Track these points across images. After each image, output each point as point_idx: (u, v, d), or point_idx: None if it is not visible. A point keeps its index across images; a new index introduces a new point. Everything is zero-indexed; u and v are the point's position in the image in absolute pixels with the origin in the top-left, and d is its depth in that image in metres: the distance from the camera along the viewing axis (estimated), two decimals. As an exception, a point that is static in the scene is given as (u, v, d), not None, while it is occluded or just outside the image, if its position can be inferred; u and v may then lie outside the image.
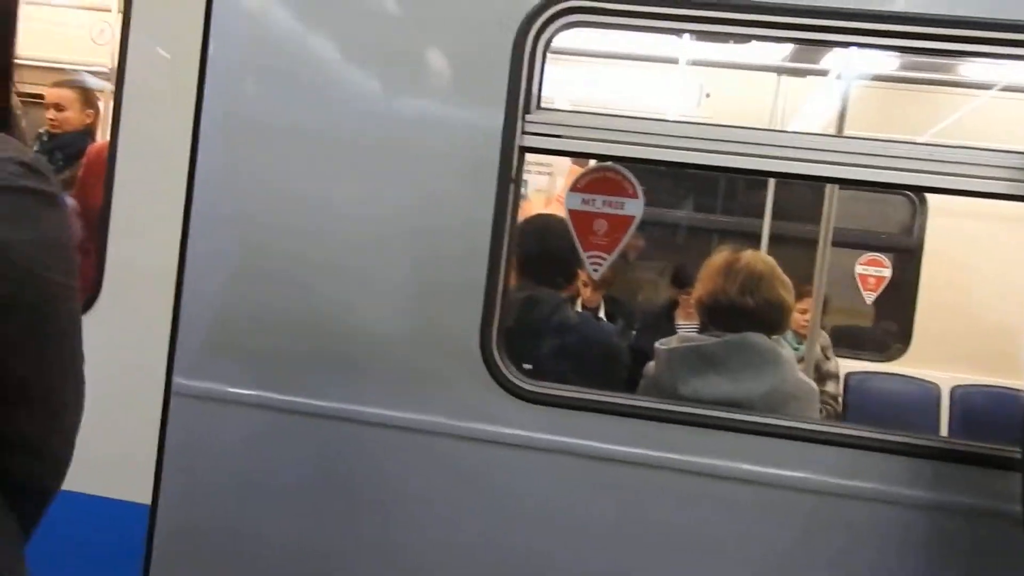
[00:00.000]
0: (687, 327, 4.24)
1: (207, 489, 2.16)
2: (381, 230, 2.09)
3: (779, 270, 2.36)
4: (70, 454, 1.10)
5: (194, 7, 2.11)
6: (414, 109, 2.09)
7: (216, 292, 2.15)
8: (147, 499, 2.14)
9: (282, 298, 2.12)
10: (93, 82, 4.31)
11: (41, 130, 4.00)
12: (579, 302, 4.04)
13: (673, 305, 4.46)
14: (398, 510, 2.10)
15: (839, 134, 3.17)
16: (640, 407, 2.06)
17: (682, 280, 4.39)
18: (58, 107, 3.97)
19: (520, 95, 2.03)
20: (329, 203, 2.11)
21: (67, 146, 3.77)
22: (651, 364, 2.37)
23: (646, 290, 5.32)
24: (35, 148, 3.81)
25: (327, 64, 2.11)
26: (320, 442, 2.12)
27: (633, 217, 2.12)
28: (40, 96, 3.99)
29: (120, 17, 2.17)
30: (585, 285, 3.90)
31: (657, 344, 2.31)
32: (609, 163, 2.14)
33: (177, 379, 2.14)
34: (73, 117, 3.94)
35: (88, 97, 3.97)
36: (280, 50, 2.13)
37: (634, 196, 2.12)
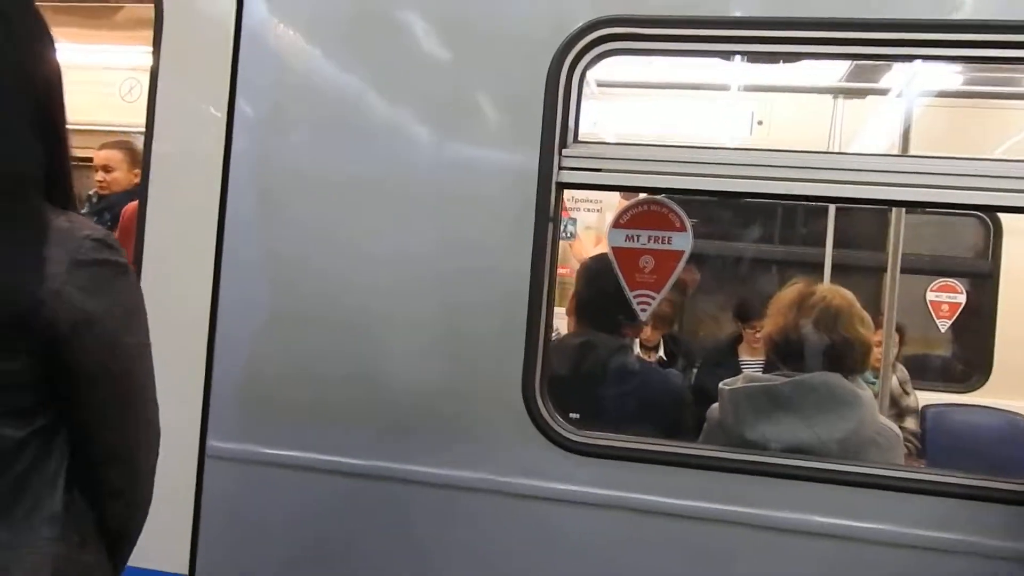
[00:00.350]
0: (751, 363, 4.04)
1: (244, 557, 2.06)
2: (415, 276, 2.00)
3: (858, 305, 2.19)
4: (151, 495, 1.27)
5: (221, 61, 2.07)
6: (444, 149, 2.00)
7: (248, 349, 2.07)
8: (184, 569, 2.05)
9: (315, 352, 2.04)
10: (140, 142, 4.38)
11: (91, 192, 4.06)
12: (637, 341, 3.89)
13: (736, 340, 4.26)
14: (443, 570, 1.97)
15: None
16: (701, 456, 1.90)
17: (744, 314, 4.20)
18: (107, 168, 4.03)
19: (556, 128, 1.93)
20: (360, 252, 2.03)
21: (115, 206, 3.81)
22: (714, 407, 2.20)
23: (706, 326, 5.12)
24: (84, 210, 3.86)
25: (354, 109, 2.04)
26: (358, 503, 2.01)
27: (682, 252, 1.98)
28: (87, 159, 4.06)
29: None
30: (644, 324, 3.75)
31: (721, 385, 2.15)
32: (654, 196, 2.01)
33: (211, 442, 2.06)
34: (121, 177, 4.00)
35: (135, 157, 4.02)
36: (306, 98, 2.07)
37: (682, 229, 1.99)
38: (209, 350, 2.06)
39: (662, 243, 1.98)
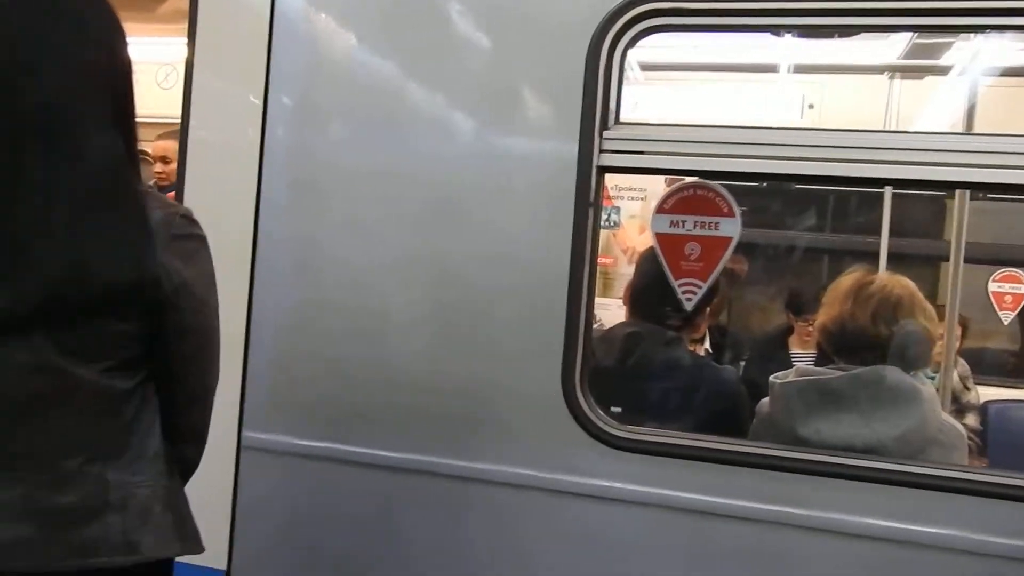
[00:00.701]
0: (802, 356, 3.90)
1: (281, 550, 2.03)
2: (451, 266, 1.93)
3: (919, 295, 2.06)
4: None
5: (256, 50, 2.02)
6: (480, 135, 1.93)
7: (285, 340, 2.03)
8: (222, 564, 2.03)
9: (352, 344, 1.99)
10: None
11: (150, 183, 4.07)
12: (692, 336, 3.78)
13: (786, 332, 4.12)
14: (479, 567, 1.92)
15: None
16: (750, 453, 1.80)
17: (795, 305, 4.05)
18: (164, 160, 4.01)
19: (596, 110, 1.84)
20: (395, 242, 1.97)
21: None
22: (764, 402, 2.10)
23: (755, 316, 4.98)
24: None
25: (388, 96, 1.98)
26: (394, 497, 1.96)
27: (729, 238, 1.88)
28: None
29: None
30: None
31: (772, 378, 2.05)
32: (700, 180, 1.91)
33: (247, 433, 2.02)
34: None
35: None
36: (340, 86, 2.01)
37: (730, 215, 1.88)
38: (246, 340, 2.02)
39: (709, 229, 1.89)
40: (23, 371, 1.16)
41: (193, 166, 2.07)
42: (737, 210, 1.88)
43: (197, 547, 1.35)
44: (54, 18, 1.19)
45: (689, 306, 1.93)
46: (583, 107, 1.84)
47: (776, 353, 4.03)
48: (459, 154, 1.93)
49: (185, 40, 2.07)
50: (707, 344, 4.02)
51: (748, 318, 5.04)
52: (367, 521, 1.98)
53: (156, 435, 1.30)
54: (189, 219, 1.33)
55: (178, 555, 1.32)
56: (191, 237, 1.32)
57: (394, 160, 1.96)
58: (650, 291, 2.30)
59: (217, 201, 2.06)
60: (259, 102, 2.02)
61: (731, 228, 1.88)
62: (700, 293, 1.89)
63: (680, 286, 1.90)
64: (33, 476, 1.16)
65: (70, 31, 1.20)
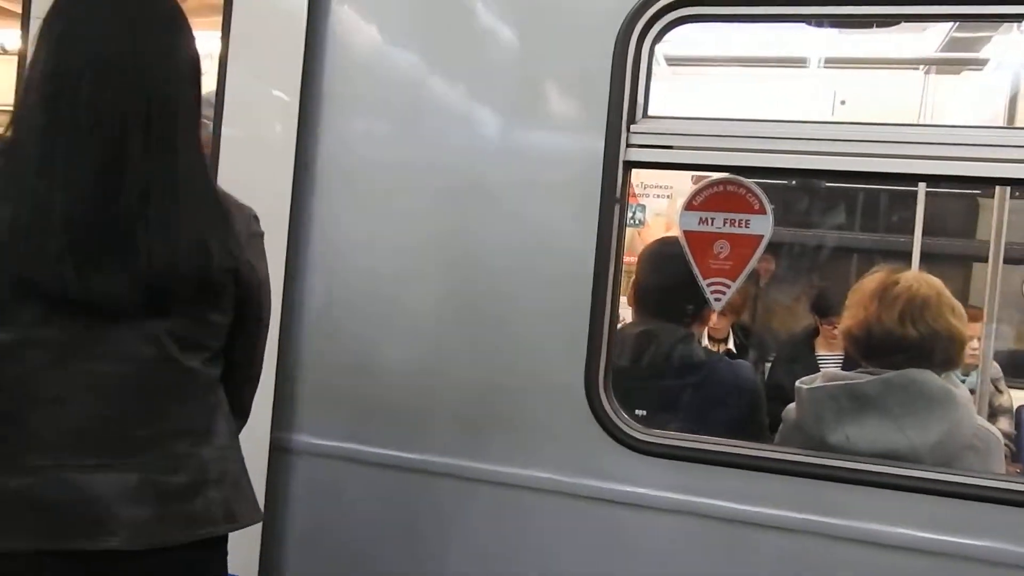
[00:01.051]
0: (829, 359, 3.82)
1: (310, 550, 2.00)
2: (477, 266, 1.89)
3: (947, 294, 1.98)
4: None
5: (292, 45, 1.97)
6: (504, 128, 1.89)
7: (317, 339, 2.00)
8: (254, 565, 1.98)
9: (378, 343, 1.96)
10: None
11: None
12: (704, 332, 3.71)
13: (812, 334, 4.03)
14: (502, 569, 1.88)
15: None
16: (779, 460, 1.75)
17: (822, 307, 3.96)
18: None
19: (624, 103, 1.79)
20: (423, 240, 1.93)
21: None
22: (791, 407, 2.03)
23: (780, 317, 4.89)
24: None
25: (418, 91, 1.94)
26: (415, 497, 1.93)
27: (760, 236, 1.82)
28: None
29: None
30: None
31: (799, 383, 1.98)
32: (730, 176, 1.85)
33: (277, 433, 1.98)
34: None
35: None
36: (374, 81, 1.97)
37: (761, 212, 1.82)
38: (280, 339, 1.97)
39: (739, 227, 1.83)
40: (151, 365, 1.25)
41: (226, 163, 2.03)
42: (769, 207, 1.81)
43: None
44: (152, 15, 1.26)
45: (718, 306, 1.87)
46: (610, 100, 1.79)
47: (802, 355, 3.95)
48: (483, 148, 1.88)
49: (219, 34, 2.03)
50: (730, 344, 3.96)
51: (773, 319, 4.95)
52: (390, 520, 1.95)
53: (229, 416, 1.41)
54: (257, 218, 1.43)
55: (260, 521, 1.44)
56: (261, 236, 1.43)
57: (423, 153, 1.93)
58: (659, 288, 2.24)
59: (249, 201, 2.02)
60: (294, 98, 1.97)
61: (763, 226, 1.81)
62: (729, 293, 1.83)
63: (709, 285, 1.84)
64: (151, 461, 1.24)
65: (166, 28, 1.27)
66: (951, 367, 2.00)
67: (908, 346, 1.93)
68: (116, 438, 1.23)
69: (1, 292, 1.18)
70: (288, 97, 1.97)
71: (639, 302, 2.30)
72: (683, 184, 4.12)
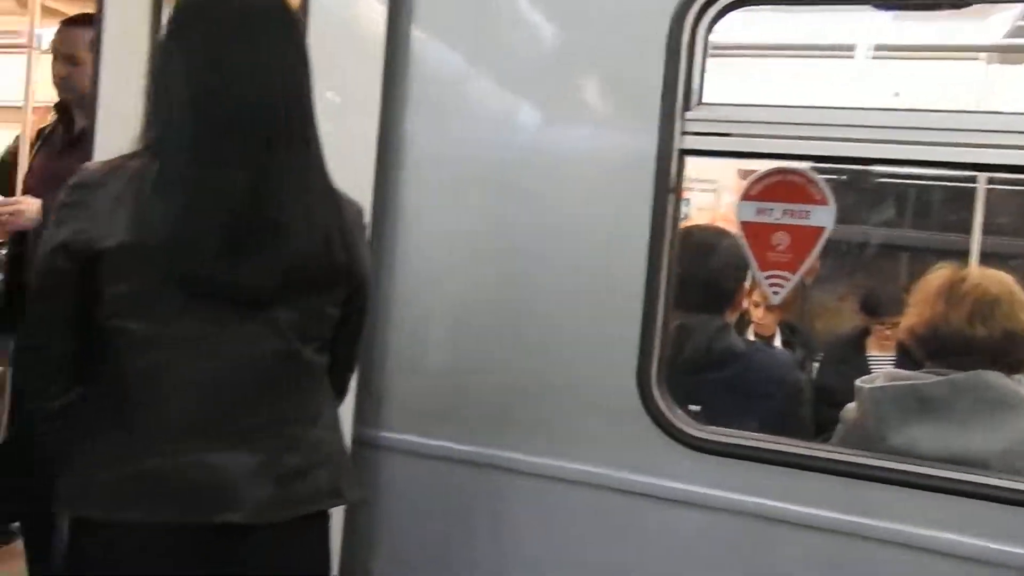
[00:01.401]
0: (880, 360, 3.70)
1: (388, 547, 1.98)
2: (527, 259, 1.85)
3: (1020, 291, 1.89)
4: None
5: (372, 54, 1.92)
6: (552, 121, 1.84)
7: (397, 334, 1.98)
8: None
9: (451, 341, 1.96)
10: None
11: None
12: (751, 328, 3.62)
13: (862, 335, 3.91)
14: (552, 566, 1.84)
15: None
16: (840, 461, 1.67)
17: (873, 307, 3.84)
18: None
19: (678, 89, 1.73)
20: (483, 236, 1.91)
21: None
22: (850, 407, 1.95)
23: (829, 316, 4.76)
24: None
25: (464, 88, 1.91)
26: (468, 491, 1.90)
27: (822, 228, 1.74)
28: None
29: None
30: (756, 306, 3.46)
31: (859, 382, 1.90)
32: (790, 165, 1.78)
33: (359, 428, 1.95)
34: None
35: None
36: (445, 80, 1.94)
37: (823, 203, 1.75)
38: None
39: (799, 218, 1.75)
40: (275, 355, 1.32)
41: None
42: (831, 198, 1.74)
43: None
44: (279, 16, 1.33)
45: (777, 299, 1.79)
46: (663, 86, 1.73)
47: (852, 356, 3.83)
48: (532, 142, 1.84)
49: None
50: (777, 342, 3.86)
51: (822, 318, 4.82)
52: (449, 515, 1.94)
53: (333, 400, 1.49)
54: (362, 213, 1.48)
55: (363, 498, 1.56)
56: (365, 228, 1.50)
57: (475, 149, 1.90)
58: (697, 277, 2.17)
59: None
60: (376, 98, 1.93)
61: (824, 217, 1.74)
62: (789, 286, 1.75)
63: (767, 278, 1.77)
64: (271, 444, 1.32)
65: (292, 27, 1.35)
66: (1023, 369, 1.91)
67: (977, 347, 1.84)
68: (241, 422, 1.31)
69: (142, 285, 1.25)
70: (368, 102, 1.92)
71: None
72: (728, 179, 4.03)
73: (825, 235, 1.74)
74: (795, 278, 1.75)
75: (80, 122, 2.56)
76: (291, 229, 1.28)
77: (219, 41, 1.28)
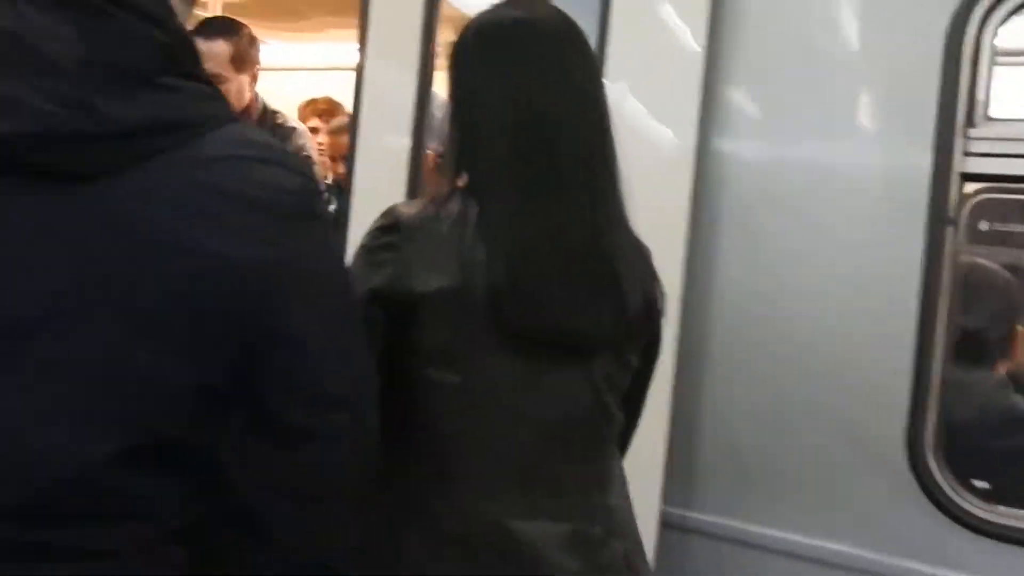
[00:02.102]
0: None
1: None
2: (785, 299, 1.63)
3: None
4: None
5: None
6: (818, 141, 1.62)
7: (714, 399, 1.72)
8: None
9: (774, 406, 1.66)
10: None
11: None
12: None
13: None
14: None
15: None
16: None
17: None
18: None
19: (958, 103, 1.48)
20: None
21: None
22: None
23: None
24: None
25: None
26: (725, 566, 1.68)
27: None
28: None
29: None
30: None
31: None
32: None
33: (667, 508, 1.73)
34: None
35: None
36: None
37: None
38: (674, 401, 1.69)
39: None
40: (586, 408, 1.19)
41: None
42: None
43: None
44: (579, 45, 1.22)
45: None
46: (940, 100, 1.48)
47: None
48: (784, 156, 1.64)
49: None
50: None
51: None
52: None
53: (620, 462, 1.33)
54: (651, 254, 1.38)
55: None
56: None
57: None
58: (970, 327, 1.84)
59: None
60: (692, 124, 1.71)
61: None
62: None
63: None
64: (577, 510, 1.19)
65: (591, 57, 1.26)
66: None
67: None
68: (550, 484, 1.19)
69: (459, 334, 1.15)
70: (684, 123, 1.71)
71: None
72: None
73: None
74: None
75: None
76: (624, 278, 1.18)
77: (530, 75, 1.19)
